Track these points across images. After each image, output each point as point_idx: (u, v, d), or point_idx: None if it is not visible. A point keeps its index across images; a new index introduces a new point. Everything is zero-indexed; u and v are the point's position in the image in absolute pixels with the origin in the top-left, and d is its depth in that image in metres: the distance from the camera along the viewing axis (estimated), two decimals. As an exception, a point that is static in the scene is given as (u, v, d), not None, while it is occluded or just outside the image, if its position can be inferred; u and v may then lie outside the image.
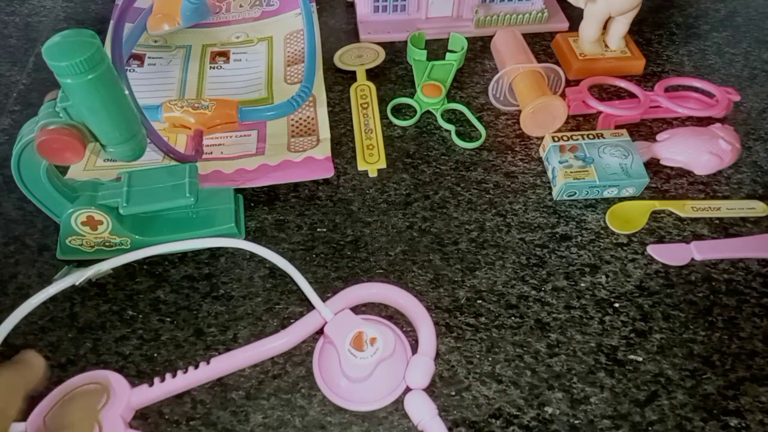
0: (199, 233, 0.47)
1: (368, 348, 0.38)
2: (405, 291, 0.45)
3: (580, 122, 0.59)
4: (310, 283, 0.44)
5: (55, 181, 0.43)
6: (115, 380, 0.39)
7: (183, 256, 0.48)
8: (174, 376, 0.40)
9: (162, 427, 0.39)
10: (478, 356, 0.42)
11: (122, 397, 0.38)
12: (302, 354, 0.42)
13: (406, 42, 0.63)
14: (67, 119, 0.38)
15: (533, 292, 0.46)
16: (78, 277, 0.42)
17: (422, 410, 0.38)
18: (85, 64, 0.35)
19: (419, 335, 0.43)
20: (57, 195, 0.43)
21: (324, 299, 0.43)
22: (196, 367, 0.40)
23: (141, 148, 0.42)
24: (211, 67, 0.64)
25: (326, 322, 0.41)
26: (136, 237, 0.46)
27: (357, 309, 0.45)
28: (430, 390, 0.41)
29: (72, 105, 0.38)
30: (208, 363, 0.40)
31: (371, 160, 0.54)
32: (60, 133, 0.37)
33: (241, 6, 0.71)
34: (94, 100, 0.37)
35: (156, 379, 0.40)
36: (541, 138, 0.55)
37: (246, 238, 0.47)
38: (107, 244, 0.46)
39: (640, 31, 0.68)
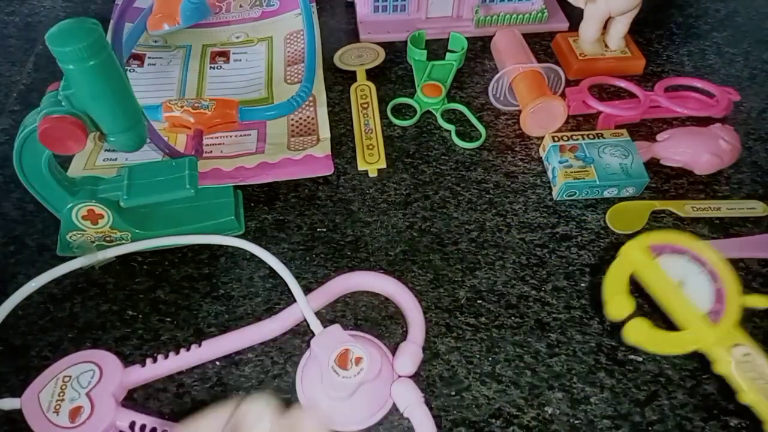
0: (200, 227, 0.47)
1: (352, 367, 0.37)
2: (392, 278, 0.45)
3: (580, 122, 0.59)
4: (307, 284, 0.44)
5: (56, 174, 0.43)
6: (108, 359, 0.40)
7: (183, 256, 0.48)
8: (166, 357, 0.41)
9: (162, 427, 0.39)
10: (478, 356, 0.42)
11: (114, 376, 0.39)
12: (302, 354, 0.42)
13: (406, 42, 0.63)
14: (70, 108, 0.39)
15: (533, 292, 0.46)
16: (87, 259, 0.44)
17: (408, 397, 0.38)
18: (87, 50, 0.36)
19: (408, 322, 0.43)
20: (58, 188, 0.43)
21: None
22: (188, 349, 0.41)
23: (142, 138, 0.43)
24: (211, 67, 0.64)
25: (314, 335, 0.41)
26: (137, 231, 0.46)
27: (356, 310, 0.45)
28: (431, 390, 0.41)
29: (74, 93, 0.38)
30: (199, 345, 0.41)
31: (371, 160, 0.54)
32: (62, 121, 0.37)
33: (241, 6, 0.71)
34: (95, 87, 0.38)
35: (148, 360, 0.40)
36: (541, 138, 0.55)
37: (246, 238, 0.47)
38: (108, 239, 0.46)
39: (640, 31, 0.68)
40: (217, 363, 0.42)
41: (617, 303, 0.34)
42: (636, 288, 0.35)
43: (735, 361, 0.32)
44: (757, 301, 0.34)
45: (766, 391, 0.32)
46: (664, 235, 0.36)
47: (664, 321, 0.35)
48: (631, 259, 0.36)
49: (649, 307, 0.35)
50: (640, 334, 0.33)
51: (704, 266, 0.35)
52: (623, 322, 0.35)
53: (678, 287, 0.34)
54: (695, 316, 0.33)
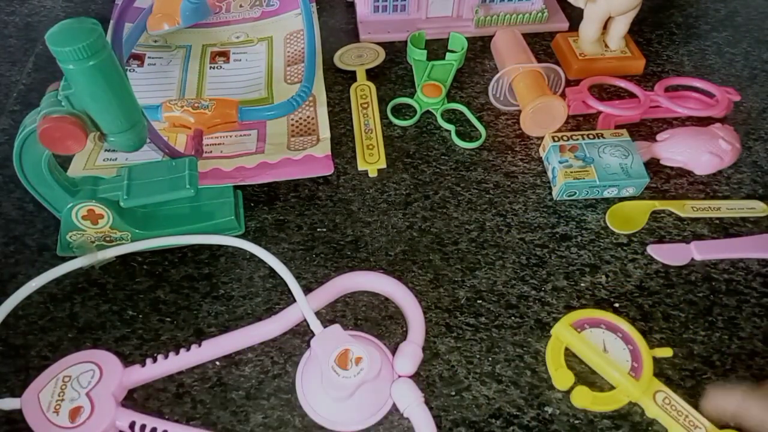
0: (200, 227, 0.47)
1: (352, 367, 0.37)
2: (392, 278, 0.45)
3: (580, 122, 0.59)
4: (307, 284, 0.44)
5: (56, 174, 0.43)
6: (108, 359, 0.40)
7: (183, 256, 0.48)
8: (166, 357, 0.41)
9: (162, 427, 0.39)
10: (478, 356, 0.42)
11: (114, 376, 0.39)
12: (303, 354, 0.42)
13: (406, 42, 0.63)
14: (69, 108, 0.39)
15: (533, 292, 0.46)
16: (88, 259, 0.44)
17: (408, 397, 0.38)
18: (87, 50, 0.36)
19: (408, 322, 0.43)
20: (58, 188, 0.43)
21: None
22: (188, 349, 0.41)
23: (141, 138, 0.43)
24: (211, 67, 0.64)
25: (314, 335, 0.41)
26: (137, 231, 0.46)
27: (356, 310, 0.45)
28: (431, 390, 0.41)
29: (74, 93, 0.38)
30: (199, 345, 0.41)
31: (371, 160, 0.54)
32: (62, 121, 0.37)
33: (241, 6, 0.71)
34: (95, 87, 0.38)
35: (148, 360, 0.40)
36: (541, 138, 0.55)
37: (246, 238, 0.47)
38: (108, 239, 0.46)
39: (640, 31, 0.68)
40: (217, 363, 0.42)
41: (560, 376, 0.41)
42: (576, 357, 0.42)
43: (658, 405, 0.39)
44: (662, 352, 0.42)
45: (688, 426, 0.38)
46: (581, 312, 0.43)
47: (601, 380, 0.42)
48: (561, 337, 0.42)
49: (587, 371, 0.42)
50: (584, 400, 0.39)
51: (617, 332, 0.42)
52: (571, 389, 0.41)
53: (602, 353, 0.41)
54: (622, 375, 0.40)
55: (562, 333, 0.42)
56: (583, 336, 0.42)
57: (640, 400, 0.39)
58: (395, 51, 0.65)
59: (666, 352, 0.42)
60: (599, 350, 0.41)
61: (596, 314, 0.43)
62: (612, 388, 0.40)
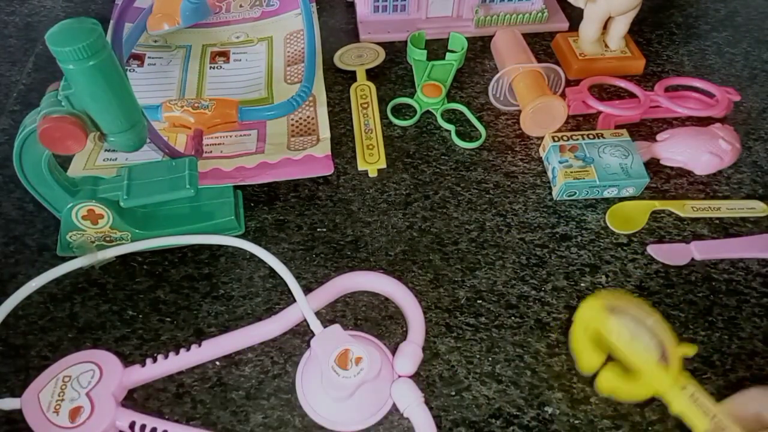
0: (200, 227, 0.47)
1: (352, 367, 0.37)
2: (392, 278, 0.45)
3: (580, 122, 0.59)
4: (307, 284, 0.44)
5: (56, 174, 0.43)
6: (108, 359, 0.40)
7: (183, 256, 0.48)
8: (166, 357, 0.41)
9: (162, 427, 0.39)
10: (478, 356, 0.42)
11: (114, 376, 0.39)
12: (303, 354, 0.42)
13: (406, 42, 0.63)
14: (69, 108, 0.39)
15: (533, 292, 0.46)
16: (88, 259, 0.44)
17: (408, 397, 0.39)
18: (87, 50, 0.36)
19: (408, 322, 0.43)
20: (58, 188, 0.43)
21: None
22: (188, 349, 0.41)
23: (141, 138, 0.43)
24: (211, 67, 0.64)
25: (314, 335, 0.41)
26: (137, 231, 0.46)
27: (356, 310, 0.45)
28: (431, 390, 0.41)
29: (74, 93, 0.38)
30: (199, 345, 0.41)
31: (371, 160, 0.54)
32: (62, 121, 0.37)
33: (241, 6, 0.71)
34: (95, 87, 0.38)
35: (148, 360, 0.40)
36: (541, 138, 0.55)
37: (246, 238, 0.47)
38: (108, 239, 0.46)
39: (640, 31, 0.68)
40: (217, 363, 0.42)
41: (586, 359, 0.39)
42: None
43: (686, 400, 0.37)
44: (686, 350, 0.39)
45: (716, 429, 0.36)
46: (609, 294, 0.41)
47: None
48: (590, 319, 0.40)
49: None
50: (609, 383, 0.38)
51: (645, 323, 0.39)
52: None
53: (632, 340, 0.39)
54: (651, 363, 0.38)
55: (592, 314, 0.39)
56: (613, 320, 0.39)
57: (669, 391, 0.37)
58: (395, 51, 0.65)
59: (690, 350, 0.39)
60: (627, 336, 0.38)
61: (624, 299, 0.40)
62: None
